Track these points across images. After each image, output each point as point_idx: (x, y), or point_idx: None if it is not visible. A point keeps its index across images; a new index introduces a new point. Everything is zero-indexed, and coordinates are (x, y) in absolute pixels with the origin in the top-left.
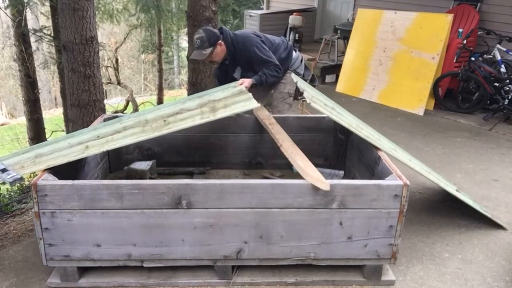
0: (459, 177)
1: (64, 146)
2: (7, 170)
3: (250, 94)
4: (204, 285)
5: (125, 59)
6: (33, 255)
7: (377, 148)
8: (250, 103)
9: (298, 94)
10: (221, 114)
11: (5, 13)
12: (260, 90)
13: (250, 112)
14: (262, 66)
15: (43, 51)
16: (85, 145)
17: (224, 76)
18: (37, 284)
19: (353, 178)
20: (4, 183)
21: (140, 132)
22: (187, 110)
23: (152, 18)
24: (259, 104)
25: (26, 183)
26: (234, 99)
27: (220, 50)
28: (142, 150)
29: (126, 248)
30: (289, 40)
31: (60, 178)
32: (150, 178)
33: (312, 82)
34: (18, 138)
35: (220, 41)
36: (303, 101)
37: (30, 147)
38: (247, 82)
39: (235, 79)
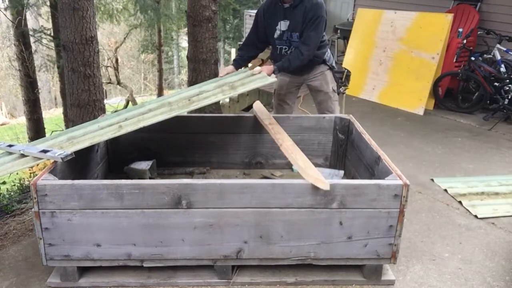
0: (459, 177)
1: (95, 129)
2: (48, 150)
3: (264, 73)
4: (204, 285)
5: (125, 59)
6: (33, 255)
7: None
8: (267, 79)
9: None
10: (241, 89)
11: (5, 15)
12: (294, 83)
13: (250, 112)
14: (303, 40)
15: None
16: (118, 125)
17: (254, 39)
18: (37, 284)
19: (353, 178)
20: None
21: (169, 110)
22: (206, 91)
23: (152, 18)
24: (275, 79)
25: (26, 183)
26: (250, 78)
27: None
28: (142, 150)
29: (126, 248)
30: None
31: (60, 178)
32: (150, 178)
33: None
34: (18, 138)
35: None
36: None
37: (60, 132)
38: (266, 69)
39: (275, 42)
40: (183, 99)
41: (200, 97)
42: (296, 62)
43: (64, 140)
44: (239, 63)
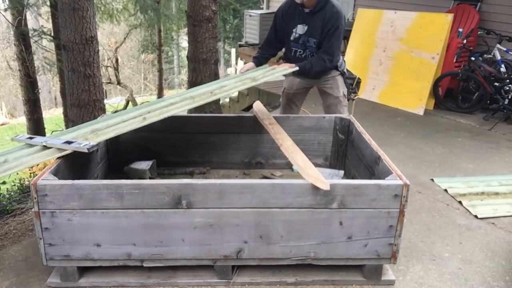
0: (459, 177)
1: (118, 121)
2: (72, 142)
3: (285, 67)
4: (204, 285)
5: (125, 59)
6: (33, 255)
7: None
8: (286, 70)
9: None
10: (262, 80)
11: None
12: (303, 84)
13: (250, 112)
14: (323, 49)
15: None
16: (142, 117)
17: (273, 39)
18: (37, 284)
19: (353, 178)
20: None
21: (191, 102)
22: (228, 85)
23: (152, 18)
24: (297, 68)
25: (26, 183)
26: (272, 71)
27: None
28: (142, 150)
29: (126, 248)
30: None
31: (60, 178)
32: (150, 178)
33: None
34: None
35: None
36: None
37: (83, 124)
38: (288, 65)
39: (290, 42)
40: (205, 93)
41: (222, 90)
42: (318, 68)
43: (88, 131)
44: (259, 60)
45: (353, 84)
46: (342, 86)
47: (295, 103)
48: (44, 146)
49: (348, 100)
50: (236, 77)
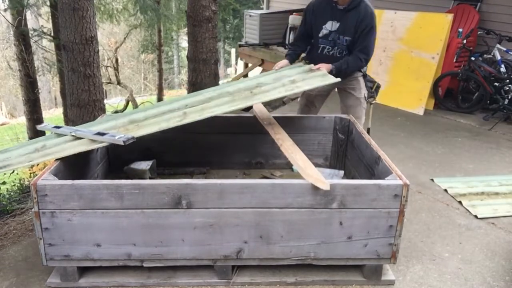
0: (459, 177)
1: (156, 113)
2: (105, 133)
3: (324, 71)
4: (204, 285)
5: (125, 59)
6: (33, 255)
7: None
8: (328, 78)
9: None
10: (303, 87)
11: (3, 16)
12: (327, 85)
13: (250, 112)
14: (359, 48)
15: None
16: (182, 112)
17: (307, 35)
18: (37, 284)
19: (353, 178)
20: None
21: (231, 101)
22: (265, 84)
23: (152, 18)
24: (338, 79)
25: (26, 183)
26: (310, 74)
27: None
28: (142, 150)
29: (126, 248)
30: (289, 40)
31: (60, 178)
32: (150, 178)
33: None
34: (18, 138)
35: None
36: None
37: (121, 113)
38: (325, 67)
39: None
40: (243, 90)
41: (262, 89)
42: (354, 67)
43: (126, 122)
44: (293, 57)
45: (372, 87)
46: (364, 88)
47: (314, 105)
48: (73, 136)
49: (366, 103)
50: (272, 73)
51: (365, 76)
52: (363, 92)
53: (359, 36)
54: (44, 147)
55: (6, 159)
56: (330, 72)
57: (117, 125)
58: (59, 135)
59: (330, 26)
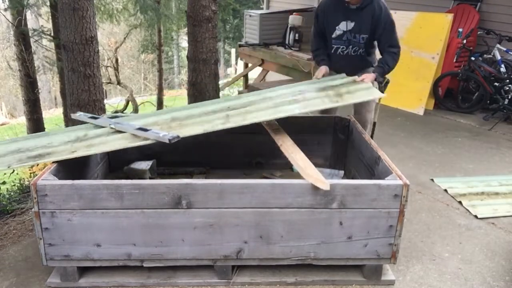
0: (459, 177)
1: (198, 113)
2: (148, 129)
3: (369, 84)
4: (204, 285)
5: (125, 59)
6: (33, 255)
7: None
8: (373, 92)
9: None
10: (349, 100)
11: (4, 15)
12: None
13: None
14: (388, 44)
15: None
16: (225, 114)
17: (323, 36)
18: (37, 284)
19: (353, 178)
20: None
21: (273, 106)
22: (308, 92)
23: (152, 18)
24: (384, 94)
25: (26, 183)
26: (355, 87)
27: None
28: (142, 149)
29: (126, 248)
30: (289, 40)
31: (60, 178)
32: (150, 178)
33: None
34: None
35: None
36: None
37: (164, 110)
38: (369, 78)
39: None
40: (285, 96)
41: (305, 97)
42: (393, 63)
43: (168, 119)
44: (328, 61)
45: (382, 83)
46: (375, 82)
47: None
48: (112, 128)
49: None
50: (314, 83)
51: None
52: (375, 86)
53: (381, 33)
54: (86, 137)
55: (48, 145)
56: (375, 80)
57: (159, 121)
58: (99, 125)
59: (344, 26)
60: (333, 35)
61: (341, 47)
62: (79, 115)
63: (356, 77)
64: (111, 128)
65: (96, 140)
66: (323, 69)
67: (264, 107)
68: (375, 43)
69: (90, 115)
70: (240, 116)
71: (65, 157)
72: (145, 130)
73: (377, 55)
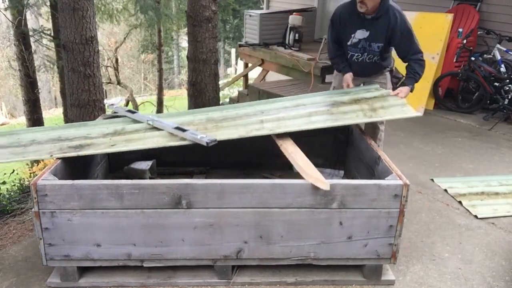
0: (459, 177)
1: (233, 115)
2: (186, 129)
3: (403, 100)
4: (204, 285)
5: (125, 59)
6: (33, 255)
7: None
8: (408, 110)
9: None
10: (382, 116)
11: (5, 15)
12: (354, 82)
13: None
14: (411, 53)
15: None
16: (260, 119)
17: (340, 42)
18: (37, 284)
19: (353, 178)
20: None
21: (308, 116)
22: (342, 103)
23: (152, 18)
24: (419, 114)
25: (26, 183)
26: (389, 102)
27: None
28: (142, 149)
29: (126, 248)
30: (289, 40)
31: (60, 178)
32: (150, 178)
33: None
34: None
35: None
36: None
37: (197, 109)
38: (404, 93)
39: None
40: (319, 104)
41: (339, 110)
42: (422, 71)
43: (204, 119)
44: (348, 68)
45: (397, 83)
46: (389, 83)
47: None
48: (149, 124)
49: None
50: (347, 93)
51: (391, 71)
52: (389, 87)
53: (399, 42)
54: (123, 130)
55: (87, 136)
56: (411, 91)
57: (195, 121)
58: (136, 120)
59: (360, 34)
60: (349, 43)
61: (356, 54)
62: (115, 107)
63: (391, 91)
64: (148, 124)
65: (135, 135)
66: (349, 76)
67: (297, 115)
68: (390, 47)
69: (126, 108)
70: (274, 123)
71: (104, 150)
72: (183, 130)
73: (394, 55)
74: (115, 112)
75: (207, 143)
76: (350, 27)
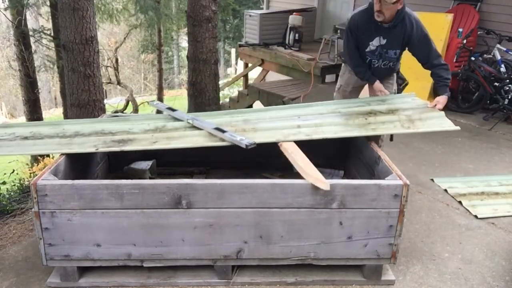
0: (459, 177)
1: (269, 117)
2: (225, 130)
3: (441, 112)
4: (204, 285)
5: (125, 59)
6: (33, 255)
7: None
8: (445, 123)
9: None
10: (420, 128)
11: (5, 15)
12: (361, 82)
13: None
14: (432, 59)
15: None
16: (296, 124)
17: (357, 49)
18: (37, 284)
19: (353, 178)
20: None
21: (344, 124)
22: (379, 112)
23: (152, 18)
24: (457, 128)
25: (26, 183)
26: (426, 114)
27: (395, 8)
28: (142, 149)
29: (126, 248)
30: (289, 40)
31: (60, 178)
32: (150, 178)
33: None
34: None
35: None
36: None
37: (235, 110)
38: (441, 104)
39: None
40: (356, 114)
41: (377, 119)
42: (450, 74)
43: (241, 120)
44: (372, 75)
45: (401, 85)
46: (395, 84)
47: None
48: (189, 123)
49: None
50: (384, 101)
51: (397, 72)
52: (394, 87)
53: (417, 49)
54: (164, 128)
55: (129, 131)
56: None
57: (232, 121)
58: (176, 118)
59: (377, 42)
60: (367, 49)
61: (374, 60)
62: (156, 103)
63: (428, 102)
64: (188, 122)
65: (175, 133)
66: (379, 84)
67: (334, 122)
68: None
69: (167, 105)
70: (311, 129)
71: (146, 147)
72: (222, 131)
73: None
74: (115, 112)
75: (246, 145)
76: (368, 35)
